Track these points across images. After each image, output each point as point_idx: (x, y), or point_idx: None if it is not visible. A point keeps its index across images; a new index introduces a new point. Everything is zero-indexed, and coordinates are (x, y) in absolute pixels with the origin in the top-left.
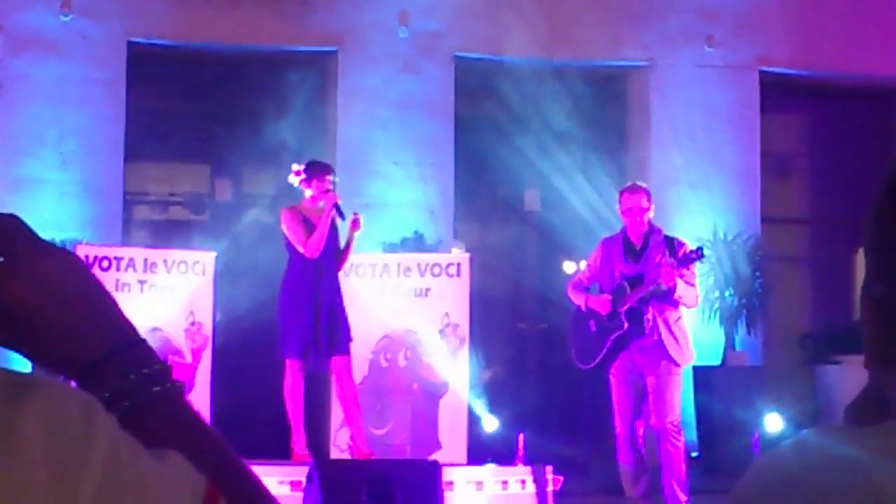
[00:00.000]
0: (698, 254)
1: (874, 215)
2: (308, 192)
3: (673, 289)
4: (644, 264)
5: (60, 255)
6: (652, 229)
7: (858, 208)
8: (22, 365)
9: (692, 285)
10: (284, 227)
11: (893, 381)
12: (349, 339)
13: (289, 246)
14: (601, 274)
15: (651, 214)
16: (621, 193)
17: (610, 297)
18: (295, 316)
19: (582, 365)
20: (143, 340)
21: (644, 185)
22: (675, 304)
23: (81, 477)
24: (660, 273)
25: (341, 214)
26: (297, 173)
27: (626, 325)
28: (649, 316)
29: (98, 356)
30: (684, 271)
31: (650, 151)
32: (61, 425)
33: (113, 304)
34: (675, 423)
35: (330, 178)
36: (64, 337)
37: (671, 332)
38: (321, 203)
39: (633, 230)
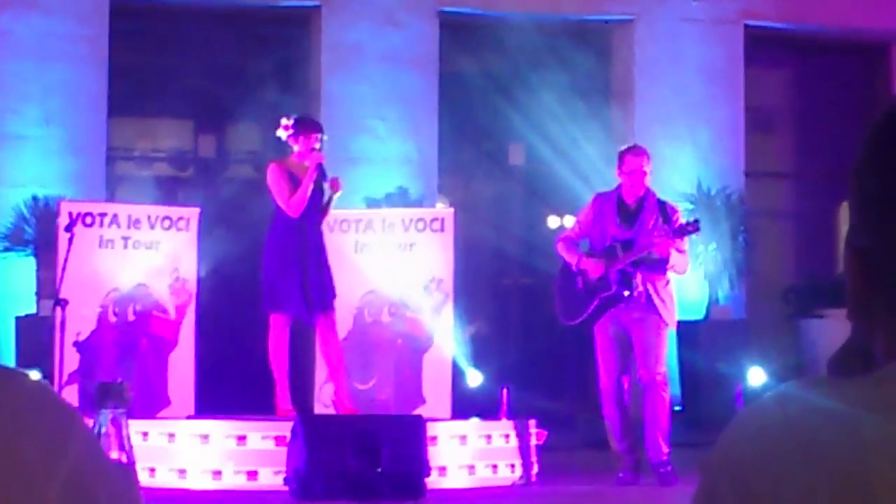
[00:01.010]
0: (695, 227)
1: (858, 166)
2: (295, 148)
3: (666, 259)
4: (637, 229)
5: None
6: (647, 192)
7: (842, 163)
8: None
9: (683, 252)
10: (270, 182)
11: (876, 332)
12: (334, 295)
13: (275, 201)
14: (592, 231)
15: (649, 178)
16: (623, 154)
17: (604, 261)
18: (280, 271)
19: (566, 321)
20: None
21: (644, 147)
22: (664, 271)
23: (64, 453)
24: (653, 242)
25: (324, 176)
26: (286, 128)
27: (613, 287)
28: (638, 280)
29: None
30: (678, 242)
31: (634, 106)
32: (51, 419)
33: None
34: (663, 376)
35: (318, 136)
36: None
37: (659, 297)
38: (306, 162)
39: (630, 192)
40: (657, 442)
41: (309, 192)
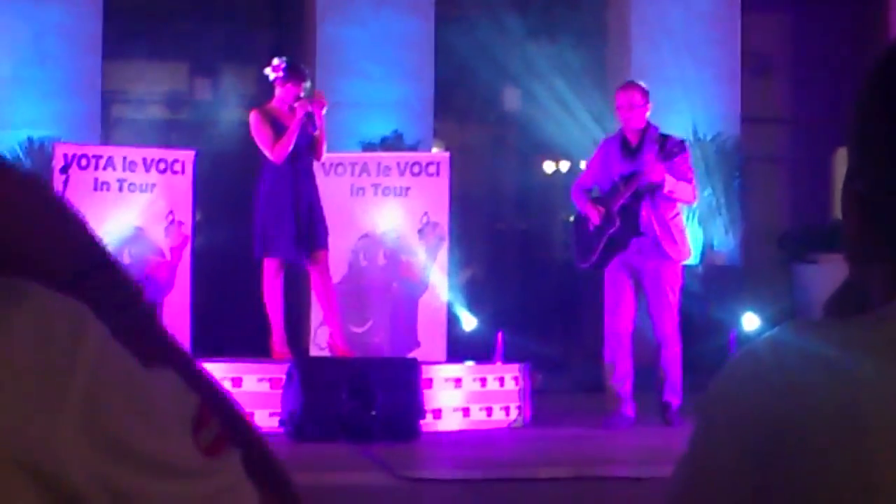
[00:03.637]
0: (680, 147)
1: (857, 108)
2: (277, 91)
3: (661, 183)
4: (639, 162)
5: (22, 176)
6: (648, 127)
7: (838, 109)
8: None
9: (687, 181)
10: (253, 130)
11: (873, 274)
12: (326, 235)
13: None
14: (601, 175)
15: (647, 112)
16: (616, 91)
17: (602, 208)
18: (272, 216)
19: (580, 264)
20: (117, 261)
21: (640, 83)
22: (671, 201)
23: (70, 382)
24: (644, 168)
25: (312, 125)
26: (276, 69)
27: (617, 222)
28: (644, 213)
29: (70, 276)
30: (674, 166)
31: (630, 50)
32: (50, 329)
33: (84, 224)
34: (676, 331)
35: (304, 85)
36: (34, 257)
37: (667, 230)
38: (291, 106)
39: (629, 128)
40: (665, 391)
41: (294, 138)
